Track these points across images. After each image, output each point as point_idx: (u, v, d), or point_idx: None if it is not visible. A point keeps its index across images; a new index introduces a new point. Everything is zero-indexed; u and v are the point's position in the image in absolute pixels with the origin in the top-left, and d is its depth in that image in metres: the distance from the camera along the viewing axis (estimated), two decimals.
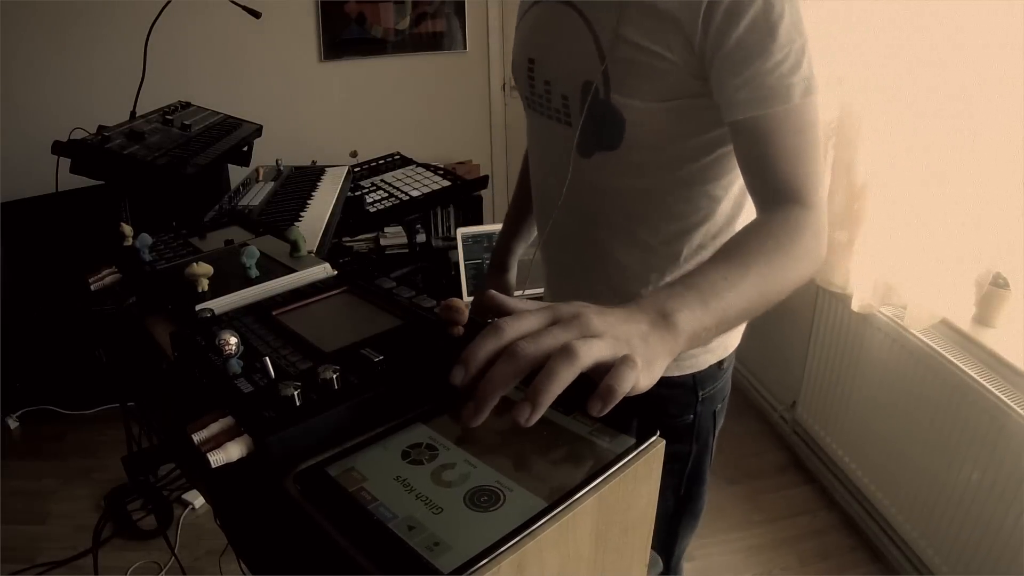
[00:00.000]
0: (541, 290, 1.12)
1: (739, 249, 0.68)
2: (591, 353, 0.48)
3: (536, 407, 0.48)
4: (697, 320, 0.58)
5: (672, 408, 0.98)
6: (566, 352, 0.47)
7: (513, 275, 1.31)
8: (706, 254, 0.92)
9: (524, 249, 1.29)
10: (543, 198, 1.02)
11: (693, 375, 0.96)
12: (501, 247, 1.29)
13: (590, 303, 0.54)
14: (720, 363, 1.00)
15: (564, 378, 0.47)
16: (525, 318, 0.51)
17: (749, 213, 0.89)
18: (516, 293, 1.27)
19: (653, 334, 0.54)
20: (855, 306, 1.85)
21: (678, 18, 0.75)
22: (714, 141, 0.84)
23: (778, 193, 0.75)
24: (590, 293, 0.98)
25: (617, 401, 0.49)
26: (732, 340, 1.02)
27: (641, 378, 0.50)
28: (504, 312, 0.54)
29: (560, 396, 0.54)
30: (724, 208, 0.91)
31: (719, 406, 1.05)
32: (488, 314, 0.57)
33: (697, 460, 1.06)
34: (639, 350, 0.51)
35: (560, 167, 0.92)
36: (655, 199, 0.89)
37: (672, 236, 0.91)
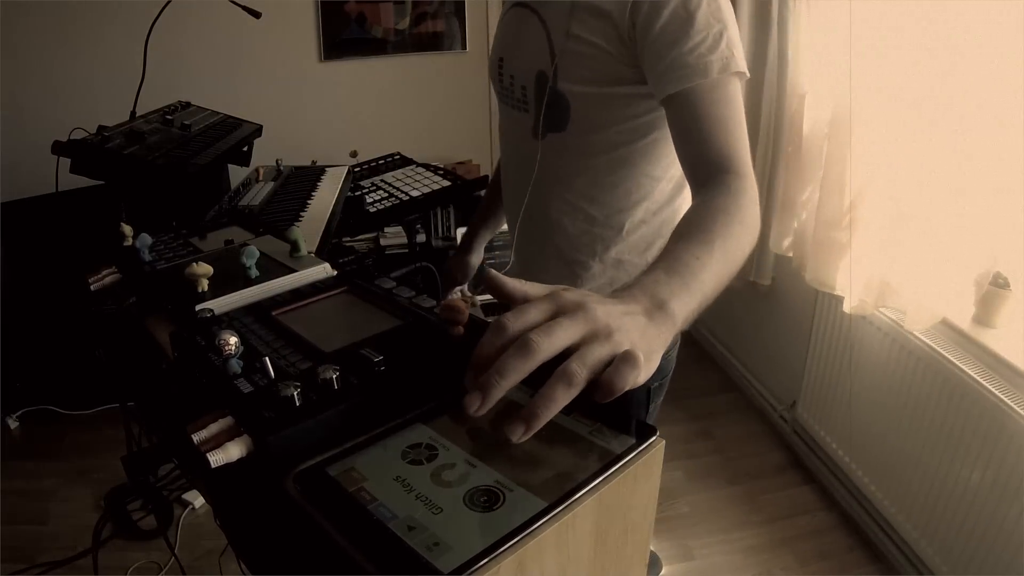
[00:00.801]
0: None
1: (697, 228, 0.71)
2: (590, 372, 0.49)
3: (529, 428, 0.48)
4: (686, 305, 0.61)
5: None
6: (566, 378, 0.48)
7: (475, 257, 1.42)
8: (647, 229, 1.03)
9: (489, 235, 1.43)
10: (510, 178, 1.15)
11: None
12: (469, 232, 1.43)
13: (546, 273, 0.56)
14: None
15: (562, 402, 0.48)
16: (528, 311, 0.52)
17: (689, 195, 0.96)
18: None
19: (651, 327, 0.56)
20: (850, 308, 1.85)
21: (610, 12, 0.87)
22: (648, 125, 0.95)
23: (709, 163, 0.82)
24: (543, 259, 1.11)
25: (616, 396, 0.50)
26: None
27: (640, 372, 0.51)
28: (501, 293, 0.55)
29: None
30: (664, 188, 1.01)
31: (655, 384, 1.11)
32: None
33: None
34: (639, 346, 0.52)
35: (521, 150, 1.06)
36: (599, 178, 1.00)
37: (615, 211, 1.02)
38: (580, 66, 0.92)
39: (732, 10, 0.87)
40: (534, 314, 0.51)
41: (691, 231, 0.71)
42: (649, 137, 0.96)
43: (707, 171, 0.82)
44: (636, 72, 0.89)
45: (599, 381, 0.49)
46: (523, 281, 0.56)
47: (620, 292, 0.58)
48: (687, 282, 0.63)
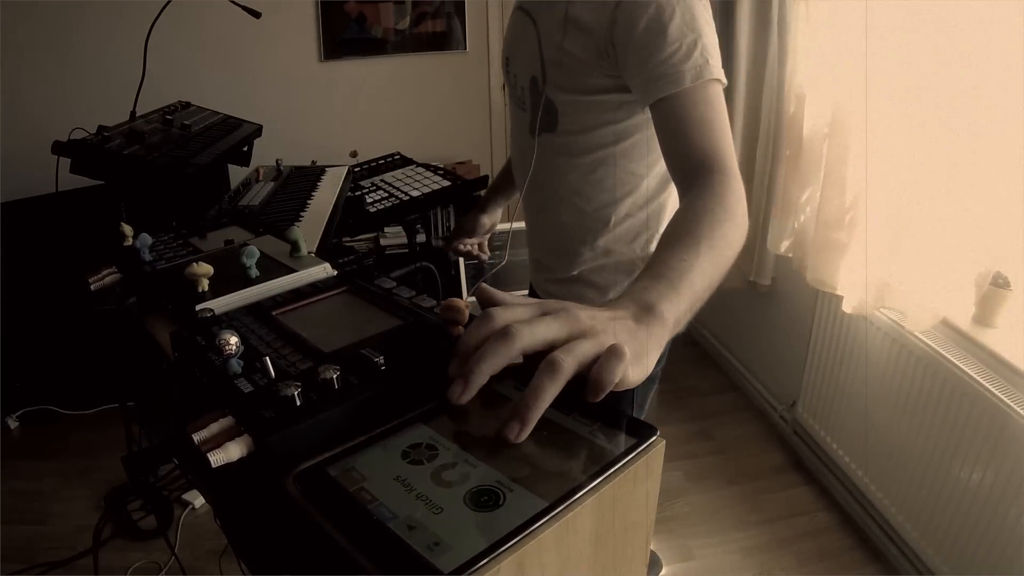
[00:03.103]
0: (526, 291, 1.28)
1: (684, 232, 0.73)
2: (575, 360, 0.50)
3: (524, 424, 0.49)
4: (675, 306, 0.62)
5: None
6: (550, 367, 0.49)
7: (488, 218, 1.51)
8: (632, 221, 1.10)
9: (504, 202, 1.52)
10: (516, 168, 1.23)
11: None
12: (487, 195, 1.52)
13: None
14: None
15: (550, 392, 0.49)
16: (515, 307, 0.54)
17: (674, 190, 0.98)
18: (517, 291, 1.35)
19: (640, 329, 0.57)
20: (850, 308, 1.85)
21: (592, 29, 0.93)
22: (629, 129, 1.01)
23: (693, 162, 0.84)
24: (542, 244, 1.21)
25: (606, 392, 0.50)
26: None
27: (631, 371, 0.52)
28: (493, 303, 0.57)
29: (560, 395, 0.54)
30: (648, 184, 1.08)
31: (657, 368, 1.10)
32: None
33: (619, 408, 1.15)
34: (628, 345, 0.53)
35: (522, 144, 1.14)
36: (587, 175, 1.07)
37: (602, 205, 1.09)
38: (565, 76, 0.99)
39: (710, 17, 0.90)
40: (520, 311, 0.53)
41: (677, 235, 0.73)
42: (631, 139, 1.03)
43: (691, 171, 0.84)
44: (616, 82, 0.95)
45: (588, 378, 0.50)
46: (514, 294, 0.58)
47: (608, 303, 0.59)
48: (675, 284, 0.64)
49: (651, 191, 1.08)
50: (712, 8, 0.93)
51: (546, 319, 0.52)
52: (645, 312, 0.58)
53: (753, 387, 2.69)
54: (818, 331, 2.11)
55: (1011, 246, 1.50)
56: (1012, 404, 1.43)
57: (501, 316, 0.52)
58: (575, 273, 1.15)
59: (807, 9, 2.01)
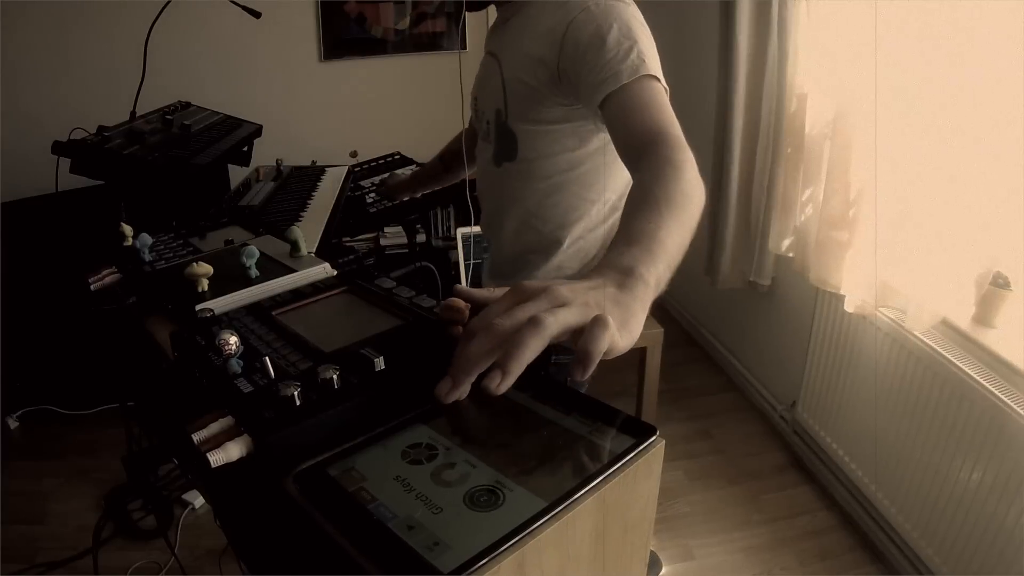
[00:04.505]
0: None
1: (642, 198, 0.76)
2: (558, 321, 0.51)
3: (506, 375, 0.50)
4: (653, 267, 0.62)
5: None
6: (534, 322, 0.50)
7: (410, 195, 1.71)
8: (584, 243, 1.19)
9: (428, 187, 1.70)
10: (481, 194, 1.33)
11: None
12: (417, 173, 1.69)
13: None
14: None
15: (533, 346, 0.50)
16: (491, 308, 0.54)
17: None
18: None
19: (623, 295, 0.57)
20: (851, 308, 1.85)
21: (546, 60, 1.02)
22: (582, 157, 1.11)
23: (639, 139, 0.89)
24: (499, 262, 1.30)
25: (595, 363, 0.50)
26: None
27: (619, 338, 0.53)
28: (471, 300, 0.59)
29: (559, 395, 0.53)
30: (600, 209, 1.17)
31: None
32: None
33: None
34: (613, 313, 0.53)
35: (486, 173, 1.25)
36: (543, 198, 1.16)
37: (557, 227, 1.18)
38: (524, 107, 1.09)
39: (645, 28, 1.00)
40: (500, 305, 0.54)
41: (637, 203, 0.75)
42: (584, 167, 1.12)
43: (639, 147, 0.87)
44: (569, 111, 1.06)
45: (576, 352, 0.50)
46: (490, 288, 0.60)
47: (587, 274, 0.60)
48: (648, 247, 0.65)
49: (602, 216, 1.18)
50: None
51: (526, 304, 0.53)
52: (626, 276, 0.59)
53: (753, 387, 2.69)
54: (818, 331, 2.11)
55: (1011, 246, 1.50)
56: (1012, 404, 1.43)
57: (479, 323, 0.53)
58: (538, 275, 1.23)
59: (807, 9, 2.01)
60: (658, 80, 0.95)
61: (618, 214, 1.15)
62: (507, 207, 1.22)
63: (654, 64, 0.96)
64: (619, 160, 0.95)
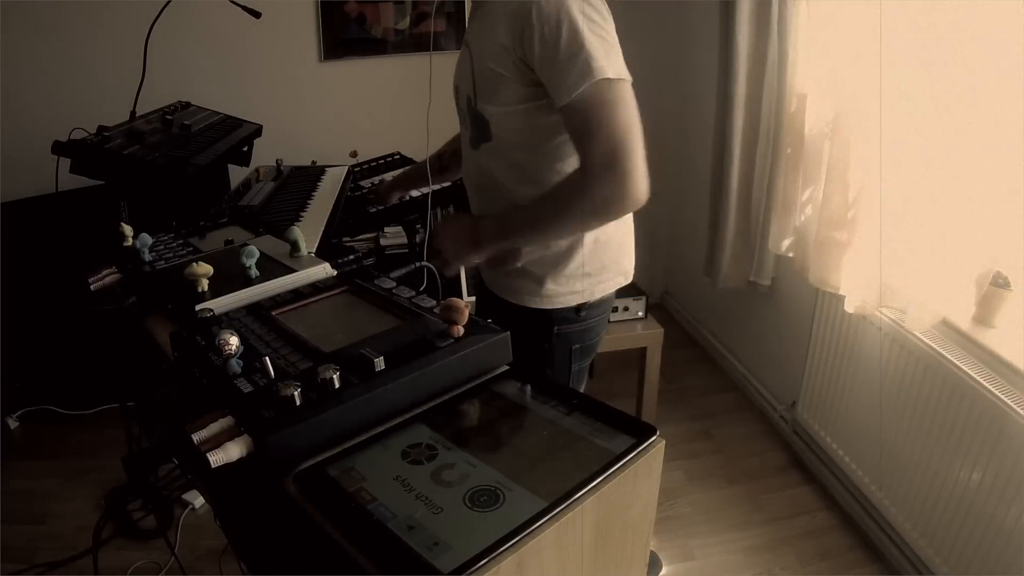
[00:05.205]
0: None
1: (539, 199, 1.12)
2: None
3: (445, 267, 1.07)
4: (493, 230, 1.17)
5: (532, 332, 1.30)
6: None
7: (399, 197, 1.76)
8: None
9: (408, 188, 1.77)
10: (466, 175, 1.40)
11: (549, 311, 1.28)
12: (397, 179, 1.75)
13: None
14: (577, 309, 1.29)
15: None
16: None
17: None
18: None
19: (462, 244, 1.18)
20: (851, 308, 1.85)
21: (508, 47, 1.08)
22: (549, 130, 1.16)
23: (580, 151, 1.07)
24: None
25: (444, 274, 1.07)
26: (582, 294, 1.28)
27: (448, 268, 1.18)
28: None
29: (560, 395, 0.53)
30: (555, 179, 1.22)
31: (576, 346, 1.33)
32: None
33: None
34: (450, 251, 1.18)
35: (468, 155, 1.33)
36: (519, 173, 1.22)
37: (532, 198, 1.26)
38: (492, 91, 1.16)
39: (598, 18, 1.03)
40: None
41: (536, 199, 1.13)
42: (553, 141, 1.17)
43: (581, 157, 1.07)
44: (532, 91, 1.11)
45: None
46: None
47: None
48: (502, 220, 1.17)
49: None
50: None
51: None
52: (471, 232, 1.17)
53: (753, 387, 2.69)
54: (818, 331, 2.11)
55: (1011, 246, 1.50)
56: (1012, 404, 1.43)
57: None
58: (518, 265, 1.28)
59: (807, 9, 2.01)
60: (608, 79, 1.00)
61: None
62: (486, 186, 1.28)
63: (603, 63, 1.00)
64: None
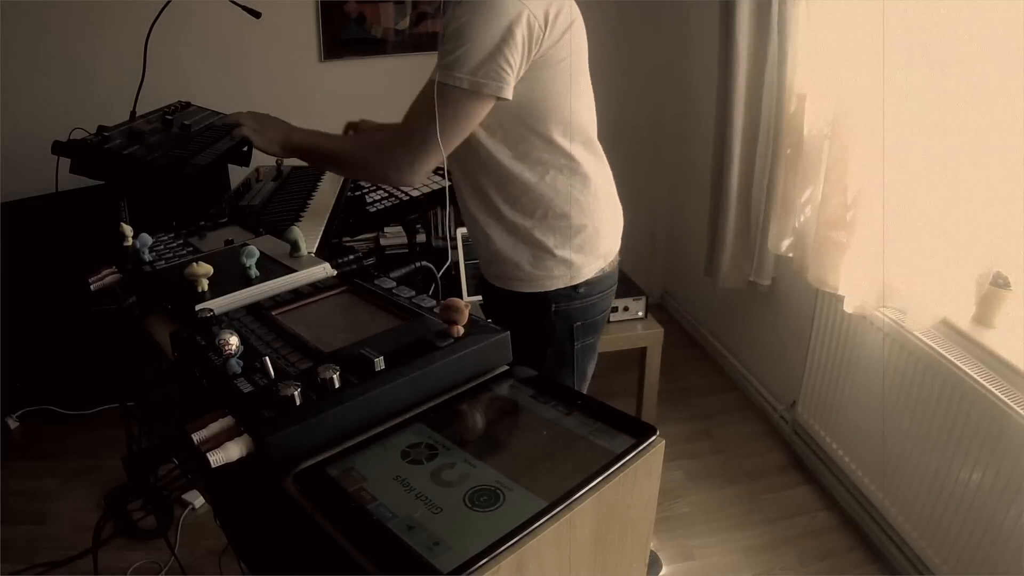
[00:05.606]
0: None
1: (351, 138, 1.40)
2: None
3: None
4: (298, 137, 1.34)
5: (530, 313, 1.33)
6: None
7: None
8: (527, 199, 1.27)
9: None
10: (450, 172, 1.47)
11: (545, 292, 1.31)
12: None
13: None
14: (575, 288, 1.31)
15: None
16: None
17: (563, 167, 1.25)
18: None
19: (272, 131, 1.36)
20: (850, 308, 1.85)
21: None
22: (501, 122, 1.20)
23: (405, 117, 1.21)
24: (471, 235, 1.41)
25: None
26: (578, 272, 1.31)
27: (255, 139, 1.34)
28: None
29: (560, 395, 0.53)
30: (527, 168, 1.26)
31: (577, 324, 1.35)
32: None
33: (553, 361, 1.37)
34: (255, 130, 1.35)
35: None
36: (482, 163, 1.26)
37: (498, 186, 1.29)
38: None
39: (489, 31, 1.07)
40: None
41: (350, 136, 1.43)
42: (504, 130, 1.22)
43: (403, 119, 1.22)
44: None
45: None
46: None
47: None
48: (309, 135, 1.36)
49: (541, 170, 1.26)
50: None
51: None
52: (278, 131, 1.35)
53: (753, 387, 2.69)
54: (818, 331, 2.11)
55: (1011, 246, 1.50)
56: (1012, 404, 1.43)
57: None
58: (493, 251, 1.33)
59: (807, 9, 2.01)
60: (456, 87, 1.09)
61: (560, 167, 1.25)
62: (459, 181, 1.34)
63: (464, 70, 1.08)
64: (544, 119, 1.19)
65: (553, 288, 1.31)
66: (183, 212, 1.32)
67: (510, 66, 1.09)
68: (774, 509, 2.15)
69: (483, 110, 1.14)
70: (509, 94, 1.11)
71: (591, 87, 1.30)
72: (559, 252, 1.28)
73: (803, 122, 2.05)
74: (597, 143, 1.32)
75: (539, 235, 1.28)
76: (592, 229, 1.30)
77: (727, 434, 2.52)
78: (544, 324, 1.34)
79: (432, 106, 1.10)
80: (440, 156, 1.15)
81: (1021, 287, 1.54)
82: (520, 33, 1.07)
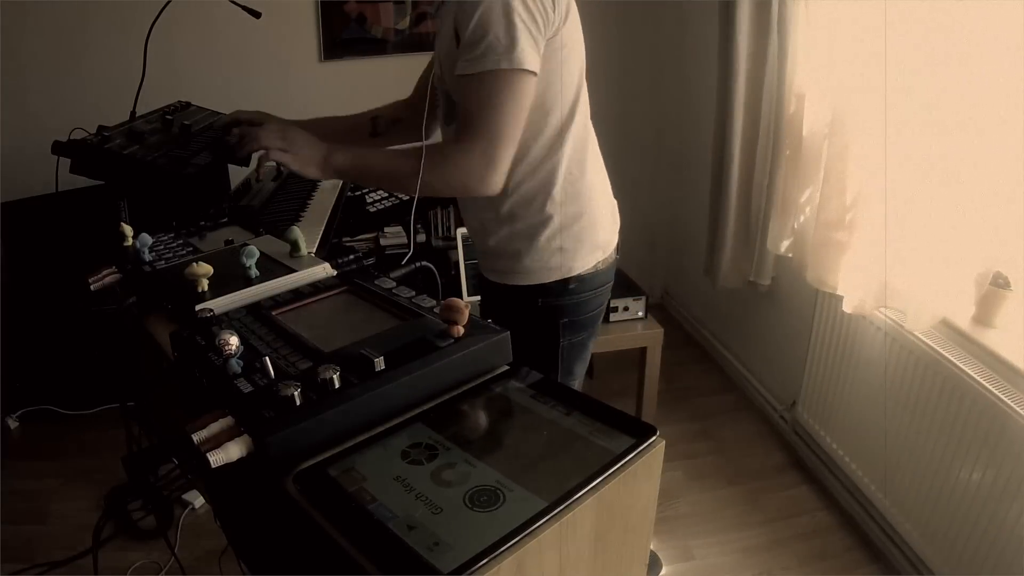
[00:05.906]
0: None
1: (403, 151, 1.17)
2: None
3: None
4: (343, 159, 1.18)
5: (520, 306, 1.34)
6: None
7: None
8: (527, 187, 1.27)
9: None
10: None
11: (531, 285, 1.31)
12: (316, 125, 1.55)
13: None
14: (565, 282, 1.30)
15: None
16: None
17: (564, 156, 1.25)
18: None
19: (309, 155, 1.18)
20: (849, 308, 1.85)
21: (455, 29, 1.14)
22: None
23: (458, 123, 1.16)
24: (469, 227, 1.41)
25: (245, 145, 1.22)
26: (559, 269, 1.30)
27: (252, 147, 1.22)
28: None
29: (560, 395, 0.53)
30: (536, 152, 1.24)
31: (565, 320, 1.34)
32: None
33: (539, 356, 1.34)
34: (286, 154, 1.18)
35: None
36: None
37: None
38: (449, 72, 1.19)
39: (515, 20, 1.07)
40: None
41: (400, 150, 1.18)
42: None
43: (457, 127, 1.17)
44: None
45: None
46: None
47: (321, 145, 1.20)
48: (354, 155, 1.19)
49: (539, 158, 1.25)
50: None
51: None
52: (321, 152, 1.19)
53: (753, 387, 2.69)
54: (818, 331, 2.11)
55: (1011, 246, 1.50)
56: (1012, 404, 1.43)
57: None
58: (492, 244, 1.32)
59: (807, 9, 2.01)
60: (502, 69, 1.07)
61: (558, 155, 1.24)
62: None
63: (497, 56, 1.07)
64: (548, 104, 1.18)
65: (548, 280, 1.30)
66: (183, 212, 1.32)
67: (534, 40, 1.09)
68: (774, 509, 2.15)
69: (531, 88, 1.11)
70: (538, 67, 1.11)
71: (585, 82, 1.29)
72: (555, 242, 1.28)
73: (803, 122, 2.05)
74: (593, 134, 1.32)
75: (536, 225, 1.28)
76: (589, 219, 1.30)
77: (727, 434, 2.52)
78: (531, 317, 1.34)
79: (482, 100, 1.08)
80: (512, 147, 1.11)
81: (1021, 287, 1.54)
82: (532, 5, 1.08)
